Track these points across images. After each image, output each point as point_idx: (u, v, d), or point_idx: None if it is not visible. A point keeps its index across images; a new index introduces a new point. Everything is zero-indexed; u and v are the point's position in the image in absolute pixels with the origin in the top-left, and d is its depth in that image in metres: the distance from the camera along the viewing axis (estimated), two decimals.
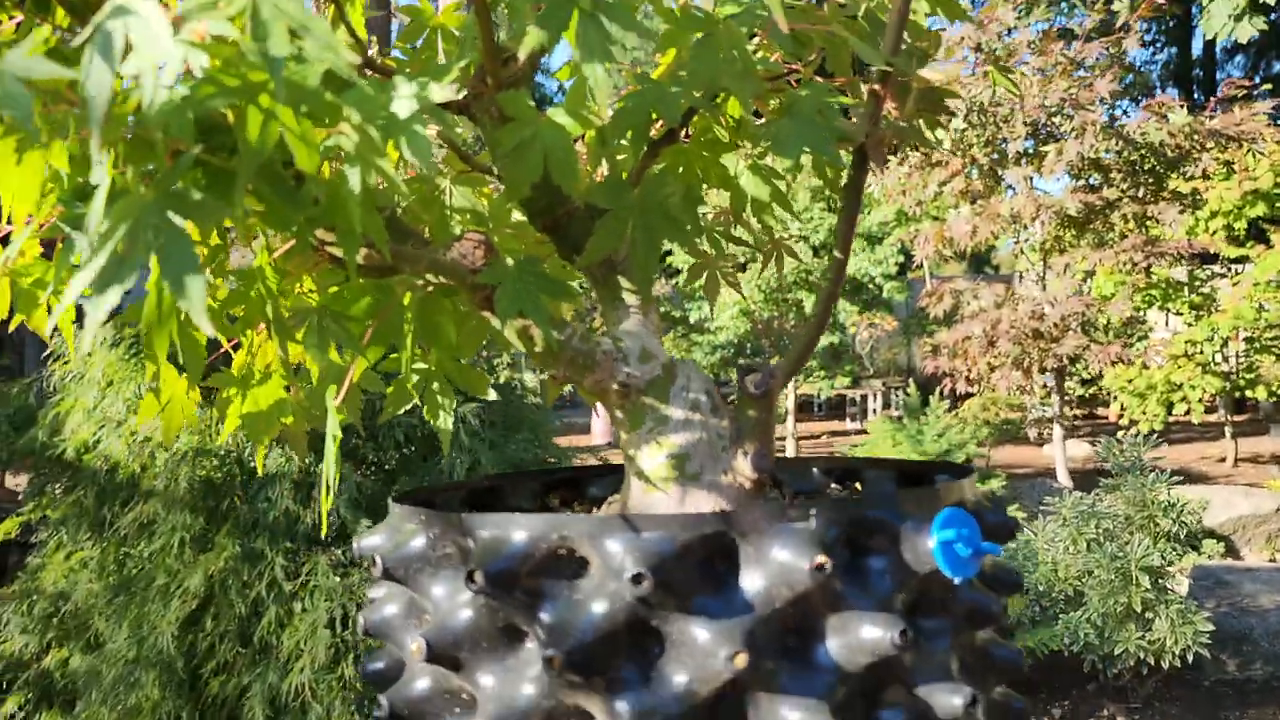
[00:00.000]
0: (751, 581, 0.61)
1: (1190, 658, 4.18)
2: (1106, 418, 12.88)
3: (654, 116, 0.74)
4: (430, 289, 0.85)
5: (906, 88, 0.81)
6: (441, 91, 0.60)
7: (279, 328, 0.79)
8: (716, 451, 0.77)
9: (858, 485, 0.94)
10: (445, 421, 0.91)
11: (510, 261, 0.75)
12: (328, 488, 0.82)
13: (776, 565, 0.60)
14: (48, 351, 4.08)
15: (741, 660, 0.57)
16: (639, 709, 0.59)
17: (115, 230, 0.53)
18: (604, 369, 0.79)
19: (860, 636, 0.60)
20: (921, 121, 0.84)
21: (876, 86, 0.76)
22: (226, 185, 0.58)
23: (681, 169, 0.81)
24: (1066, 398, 10.55)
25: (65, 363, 4.03)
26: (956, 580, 0.60)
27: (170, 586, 3.62)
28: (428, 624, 0.69)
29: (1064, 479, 7.35)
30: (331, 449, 0.81)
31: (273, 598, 3.53)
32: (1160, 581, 4.37)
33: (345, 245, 0.70)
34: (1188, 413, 9.46)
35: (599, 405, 0.82)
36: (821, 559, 0.59)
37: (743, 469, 0.77)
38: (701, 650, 0.59)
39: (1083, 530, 4.59)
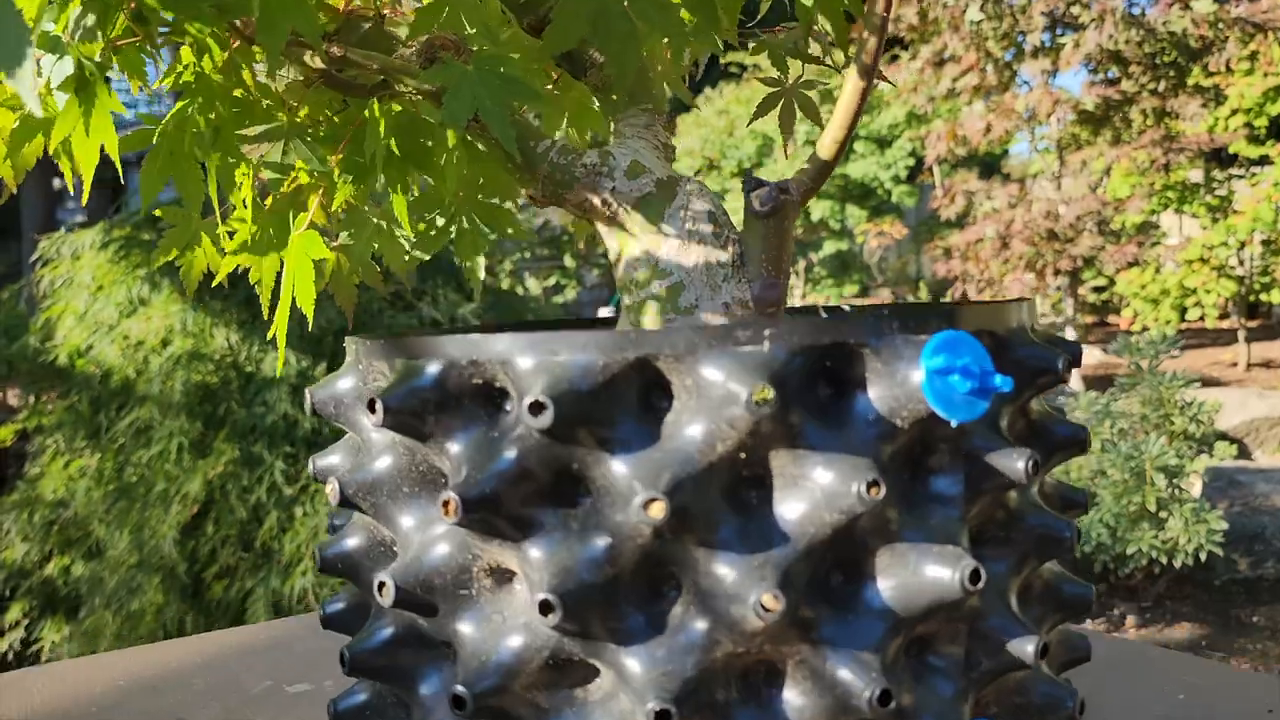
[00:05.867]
0: (681, 421, 0.50)
1: (1203, 556, 4.15)
2: (1118, 325, 12.76)
3: None
4: (415, 108, 0.74)
5: None
6: None
7: (222, 153, 0.67)
8: (716, 280, 0.67)
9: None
10: (478, 266, 0.82)
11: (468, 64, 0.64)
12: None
13: (715, 398, 0.49)
14: (35, 256, 3.98)
15: (658, 509, 0.47)
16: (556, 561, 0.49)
17: None
18: (585, 185, 0.67)
19: (828, 492, 0.50)
20: None
21: None
22: None
23: None
24: (1079, 302, 10.40)
25: (55, 267, 3.93)
26: (953, 422, 0.50)
27: (170, 492, 3.57)
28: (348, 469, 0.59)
29: (1076, 385, 7.26)
30: (283, 311, 0.70)
31: (273, 502, 3.49)
32: (1175, 481, 4.31)
33: (265, 39, 0.59)
34: (1201, 318, 9.32)
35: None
36: (764, 391, 0.48)
37: (744, 300, 0.67)
38: (623, 496, 0.49)
39: (1097, 431, 4.51)
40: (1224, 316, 10.89)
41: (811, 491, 0.50)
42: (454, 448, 0.53)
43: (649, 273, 0.68)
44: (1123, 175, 8.40)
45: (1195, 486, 5.04)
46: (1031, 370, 0.59)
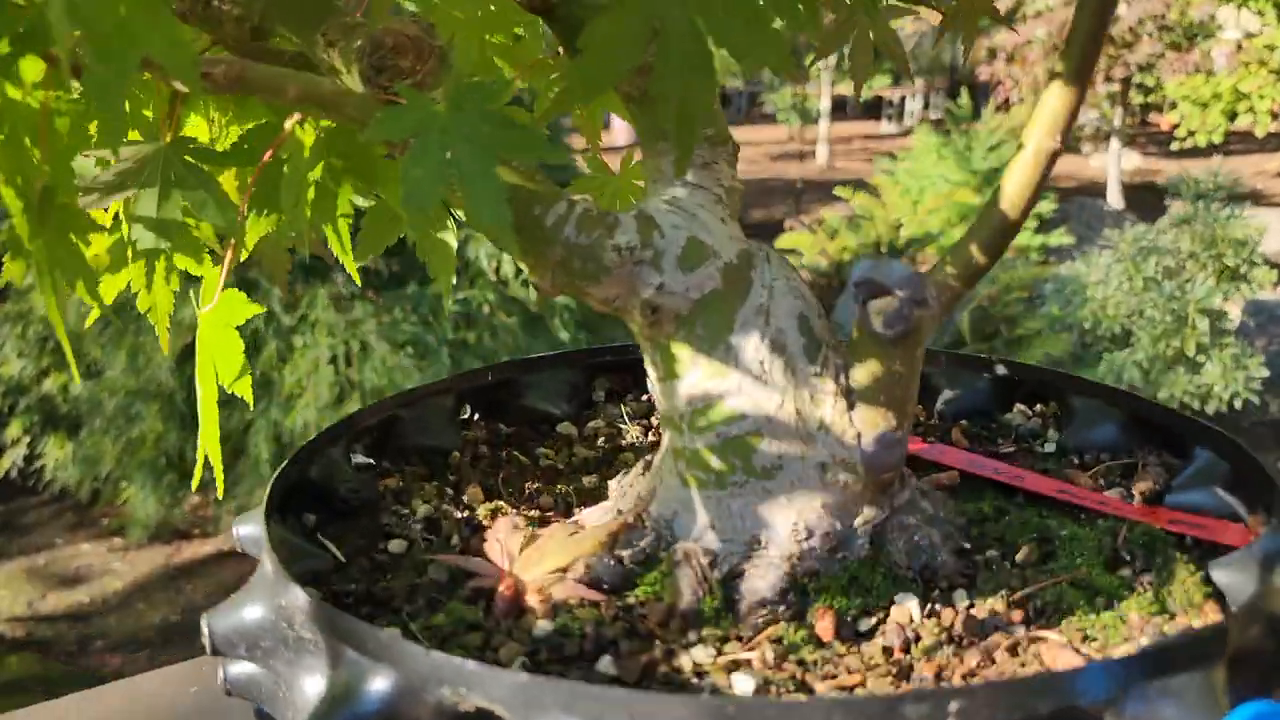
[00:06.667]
0: None
1: (1239, 404, 3.99)
2: (1158, 125, 12.19)
3: None
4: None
5: None
6: None
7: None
8: (809, 426, 0.45)
9: (1055, 410, 0.61)
10: (448, 281, 0.60)
11: (438, 99, 0.40)
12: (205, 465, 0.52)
13: None
14: None
15: None
16: None
17: None
18: (619, 278, 0.45)
19: None
20: None
21: None
22: None
23: None
24: (1127, 108, 9.90)
25: None
26: None
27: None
28: None
29: (1115, 198, 6.94)
30: (208, 409, 0.50)
31: (271, 331, 3.32)
32: (1217, 324, 4.10)
33: (99, 80, 0.36)
34: (1253, 124, 8.84)
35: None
36: None
37: (851, 462, 0.45)
38: None
39: (1140, 267, 4.25)
40: (1274, 118, 10.34)
41: None
42: None
43: (709, 410, 0.46)
44: None
45: (1234, 319, 4.80)
46: None
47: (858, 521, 0.46)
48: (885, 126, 12.89)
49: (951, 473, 0.55)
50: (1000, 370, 0.63)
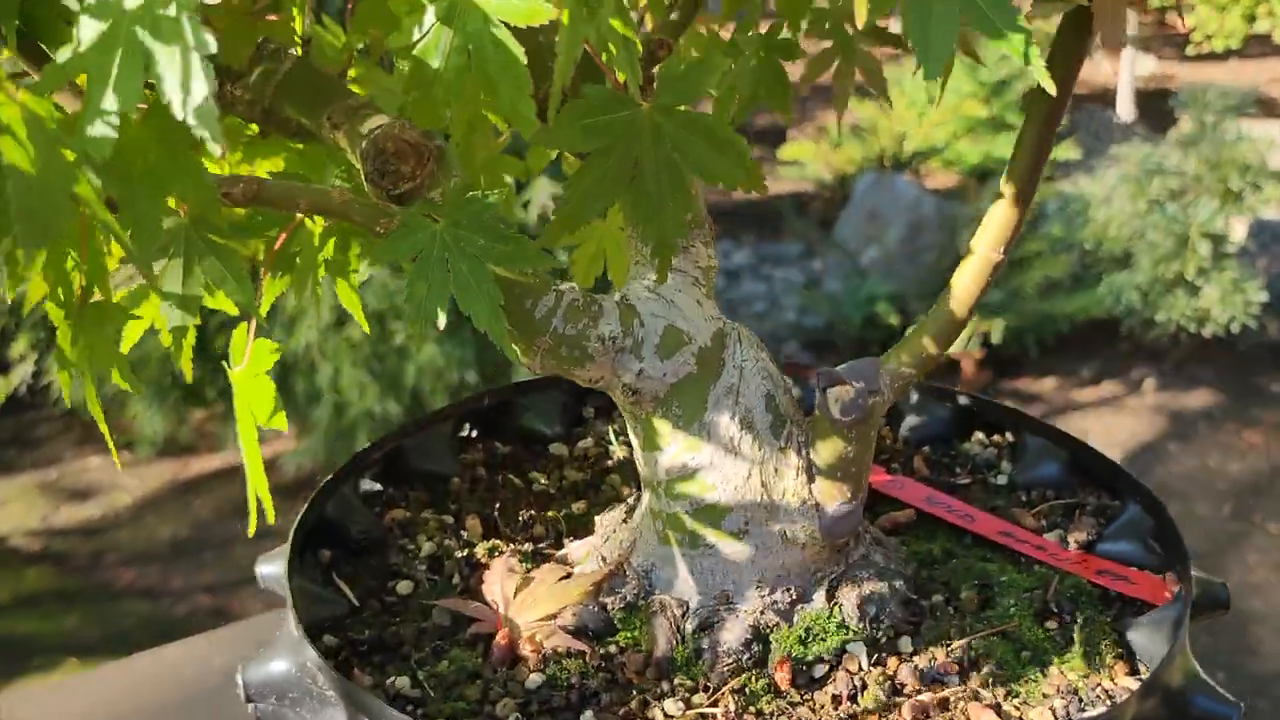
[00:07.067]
0: None
1: (1236, 329, 4.01)
2: (1174, 28, 11.91)
3: None
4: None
5: None
6: None
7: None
8: (773, 497, 0.50)
9: (1010, 441, 0.66)
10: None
11: (436, 218, 0.44)
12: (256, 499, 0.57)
13: None
14: None
15: None
16: None
17: None
18: (602, 364, 0.49)
19: None
20: None
21: None
22: None
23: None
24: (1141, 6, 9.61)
25: None
26: None
27: None
28: None
29: (1126, 108, 6.85)
30: (252, 454, 0.55)
31: None
32: (1219, 248, 4.10)
33: (135, 227, 0.40)
34: (1273, 28, 8.67)
35: None
36: None
37: (810, 529, 0.51)
38: None
39: (1145, 188, 4.23)
40: None
41: None
42: None
43: (683, 480, 0.51)
44: None
45: (1238, 239, 4.78)
46: None
47: (815, 578, 0.52)
48: (898, 24, 12.62)
49: (909, 511, 0.60)
50: (962, 400, 0.68)
